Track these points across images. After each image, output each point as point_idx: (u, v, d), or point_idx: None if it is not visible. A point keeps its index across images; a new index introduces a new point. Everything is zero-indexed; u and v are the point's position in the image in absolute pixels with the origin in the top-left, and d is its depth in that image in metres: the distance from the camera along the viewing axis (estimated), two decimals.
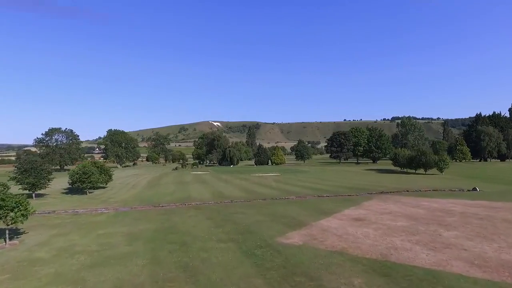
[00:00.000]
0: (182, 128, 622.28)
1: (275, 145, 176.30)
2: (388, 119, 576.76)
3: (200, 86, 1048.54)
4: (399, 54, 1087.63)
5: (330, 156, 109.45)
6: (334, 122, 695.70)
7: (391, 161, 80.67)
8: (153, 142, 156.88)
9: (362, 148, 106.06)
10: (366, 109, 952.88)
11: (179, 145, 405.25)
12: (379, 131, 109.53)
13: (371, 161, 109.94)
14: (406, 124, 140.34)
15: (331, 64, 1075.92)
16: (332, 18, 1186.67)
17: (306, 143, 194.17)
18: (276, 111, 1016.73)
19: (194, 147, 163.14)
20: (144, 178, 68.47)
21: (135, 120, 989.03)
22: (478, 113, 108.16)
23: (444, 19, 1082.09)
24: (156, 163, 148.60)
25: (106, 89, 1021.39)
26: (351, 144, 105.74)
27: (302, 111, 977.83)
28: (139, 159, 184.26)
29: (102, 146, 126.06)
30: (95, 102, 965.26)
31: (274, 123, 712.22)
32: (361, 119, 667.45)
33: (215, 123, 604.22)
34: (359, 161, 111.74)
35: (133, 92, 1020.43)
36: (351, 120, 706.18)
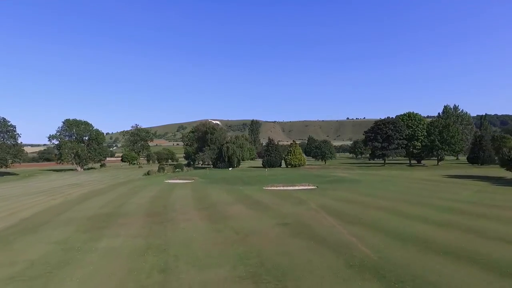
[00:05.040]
0: (181, 127, 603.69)
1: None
2: (391, 118, 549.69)
3: (200, 84, 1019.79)
4: (401, 53, 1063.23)
5: (372, 155, 76.59)
6: (337, 121, 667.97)
7: (455, 160, 48.51)
8: (130, 138, 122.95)
9: (419, 143, 73.24)
10: (368, 107, 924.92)
11: (177, 144, 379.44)
12: (443, 119, 77.30)
13: (414, 161, 78.44)
14: (450, 115, 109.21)
15: (332, 63, 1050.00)
16: (333, 18, 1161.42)
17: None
18: (277, 109, 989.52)
19: (183, 144, 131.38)
20: (65, 196, 36.22)
21: (134, 119, 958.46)
22: None
23: (441, 19, 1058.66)
24: (133, 163, 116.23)
25: (102, 88, 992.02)
26: (403, 137, 72.93)
27: (303, 109, 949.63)
28: (119, 159, 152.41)
29: (56, 142, 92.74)
30: (93, 102, 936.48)
31: (275, 121, 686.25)
32: (364, 118, 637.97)
33: (214, 121, 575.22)
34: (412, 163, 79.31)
35: (131, 91, 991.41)
36: (354, 118, 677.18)
